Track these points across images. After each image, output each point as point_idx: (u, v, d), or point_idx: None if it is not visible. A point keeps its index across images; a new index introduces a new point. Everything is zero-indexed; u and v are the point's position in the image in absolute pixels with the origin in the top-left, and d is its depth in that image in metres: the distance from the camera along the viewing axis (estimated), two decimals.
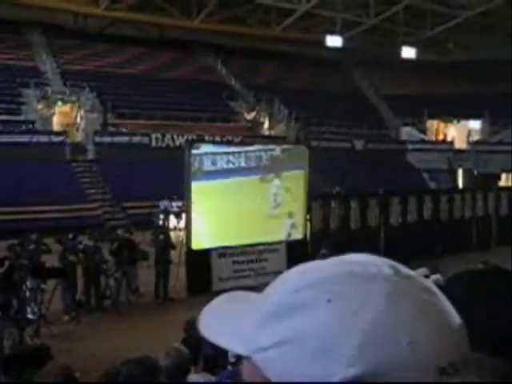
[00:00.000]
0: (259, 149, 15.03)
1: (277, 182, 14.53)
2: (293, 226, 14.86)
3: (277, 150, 15.14)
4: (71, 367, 5.04)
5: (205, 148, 14.12)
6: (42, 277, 10.21)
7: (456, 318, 0.58)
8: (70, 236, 12.47)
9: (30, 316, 10.01)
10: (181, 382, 3.99)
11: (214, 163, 13.56)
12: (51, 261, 11.64)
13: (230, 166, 13.87)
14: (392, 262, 0.61)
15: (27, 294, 9.91)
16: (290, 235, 14.81)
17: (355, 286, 0.57)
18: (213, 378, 4.32)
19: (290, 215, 14.77)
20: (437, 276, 9.74)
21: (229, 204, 13.72)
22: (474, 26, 37.57)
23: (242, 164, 14.07)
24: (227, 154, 14.14)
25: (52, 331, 10.00)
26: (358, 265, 0.61)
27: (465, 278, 1.04)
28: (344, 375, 0.52)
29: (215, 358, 5.04)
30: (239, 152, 14.45)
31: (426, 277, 9.61)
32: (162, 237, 13.80)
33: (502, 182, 33.63)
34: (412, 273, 0.61)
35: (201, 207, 13.33)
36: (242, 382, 0.60)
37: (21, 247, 11.37)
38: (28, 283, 9.92)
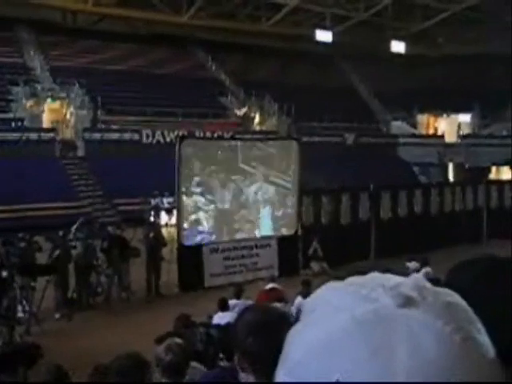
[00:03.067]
0: (249, 144, 15.05)
1: (267, 176, 14.52)
2: (283, 220, 14.87)
3: (267, 144, 15.14)
4: (61, 366, 5.01)
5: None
6: (32, 275, 10.17)
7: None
8: (61, 233, 12.42)
9: (20, 314, 9.97)
10: (178, 382, 3.98)
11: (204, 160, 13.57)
12: (42, 259, 11.61)
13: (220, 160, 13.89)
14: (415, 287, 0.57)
15: (17, 292, 9.86)
16: (280, 230, 14.82)
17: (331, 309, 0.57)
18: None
19: (280, 210, 14.77)
20: (427, 269, 9.81)
21: (219, 198, 13.72)
22: (464, 19, 37.62)
23: (232, 159, 14.07)
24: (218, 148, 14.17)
25: (43, 329, 9.97)
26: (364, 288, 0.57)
27: (477, 268, 0.90)
28: (279, 379, 0.55)
29: (205, 354, 5.05)
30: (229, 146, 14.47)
31: (417, 270, 9.67)
32: (153, 233, 13.78)
33: (492, 175, 33.77)
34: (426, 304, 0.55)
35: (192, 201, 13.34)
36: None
37: (11, 245, 11.31)
38: (18, 281, 9.87)
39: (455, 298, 0.58)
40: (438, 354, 0.50)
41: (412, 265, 10.19)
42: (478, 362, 0.53)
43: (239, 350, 1.79)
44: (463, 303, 0.58)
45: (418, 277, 0.59)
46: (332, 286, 0.60)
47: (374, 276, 0.59)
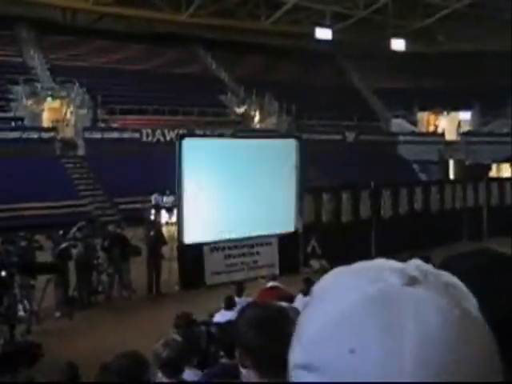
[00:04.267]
0: (249, 142, 15.05)
1: (267, 175, 14.50)
2: (284, 218, 14.86)
3: (267, 142, 15.14)
4: (75, 365, 5.01)
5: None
6: (32, 273, 10.17)
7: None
8: (61, 232, 12.43)
9: (21, 313, 9.97)
10: (179, 382, 3.99)
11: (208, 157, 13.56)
12: (43, 257, 11.61)
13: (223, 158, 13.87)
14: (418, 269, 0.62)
15: (17, 291, 9.87)
16: (280, 228, 14.81)
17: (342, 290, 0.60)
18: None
19: (281, 208, 14.76)
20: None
21: (220, 197, 13.71)
22: (464, 17, 37.60)
23: (233, 157, 14.06)
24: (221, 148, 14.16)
25: (44, 328, 9.98)
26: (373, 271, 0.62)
27: (462, 264, 0.92)
28: (295, 362, 0.60)
29: (207, 352, 5.04)
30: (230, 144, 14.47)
31: None
32: (153, 232, 13.79)
33: (493, 173, 33.75)
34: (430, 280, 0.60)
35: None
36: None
37: (11, 244, 11.32)
38: (18, 280, 9.87)
39: (454, 279, 0.63)
40: (441, 326, 0.56)
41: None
42: (476, 334, 0.58)
43: (240, 345, 1.80)
44: (460, 283, 0.63)
45: (420, 261, 0.64)
46: (340, 270, 0.64)
47: (380, 261, 0.64)
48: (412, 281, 0.59)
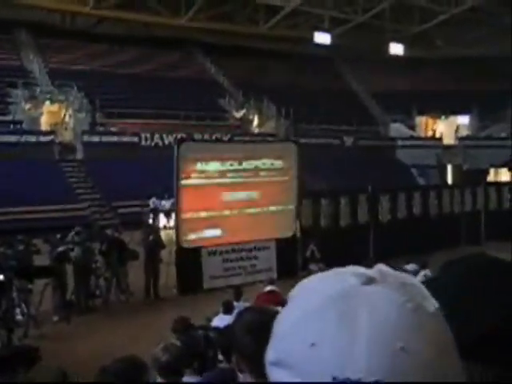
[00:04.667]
0: (248, 146, 15.04)
1: (266, 179, 14.52)
2: (282, 223, 14.85)
3: (266, 147, 15.12)
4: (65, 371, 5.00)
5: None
6: (29, 277, 10.16)
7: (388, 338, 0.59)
8: (58, 236, 12.41)
9: (19, 317, 9.95)
10: (174, 382, 3.99)
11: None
12: (41, 261, 11.59)
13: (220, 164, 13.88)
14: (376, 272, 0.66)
15: (15, 294, 9.85)
16: (279, 232, 14.80)
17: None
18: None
19: (279, 212, 14.75)
20: (426, 271, 9.80)
21: (216, 201, 13.72)
22: (462, 22, 37.67)
23: (231, 162, 14.07)
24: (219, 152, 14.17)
25: (41, 332, 9.95)
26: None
27: (457, 268, 0.93)
28: (268, 359, 0.65)
29: (205, 357, 5.03)
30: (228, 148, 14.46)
31: (416, 272, 9.66)
32: (151, 236, 13.77)
33: (491, 177, 33.78)
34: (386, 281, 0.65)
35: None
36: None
37: (9, 247, 11.30)
38: (16, 284, 9.86)
39: (413, 280, 0.68)
40: (393, 315, 0.60)
41: (410, 267, 10.17)
42: (430, 327, 0.62)
43: (237, 350, 1.79)
44: (419, 284, 0.67)
45: (383, 266, 0.68)
46: (313, 276, 0.70)
47: (349, 267, 0.69)
48: (370, 281, 0.64)
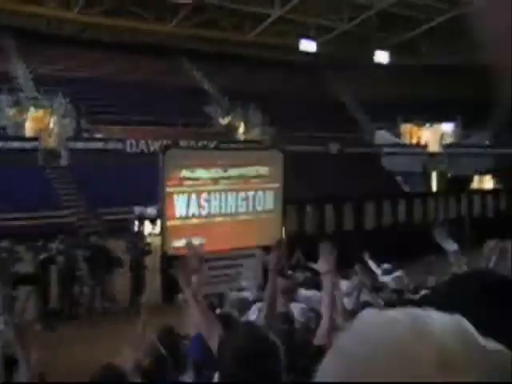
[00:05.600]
0: (233, 153, 15.04)
1: (251, 186, 14.52)
2: (268, 230, 14.84)
3: (251, 154, 15.12)
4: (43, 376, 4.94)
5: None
6: (13, 285, 10.06)
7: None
8: (41, 243, 12.31)
9: (1, 326, 9.83)
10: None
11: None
12: (23, 268, 11.48)
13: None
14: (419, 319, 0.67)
15: None
16: (264, 240, 14.77)
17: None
18: None
19: (265, 219, 14.76)
20: (398, 273, 9.93)
21: (202, 208, 13.69)
22: (447, 30, 37.99)
23: (216, 169, 14.06)
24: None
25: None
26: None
27: (467, 287, 0.92)
28: None
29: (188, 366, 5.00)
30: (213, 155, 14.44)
31: (389, 272, 9.81)
32: (137, 243, 13.70)
33: (475, 185, 34.04)
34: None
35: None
36: None
37: None
38: None
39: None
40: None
41: (386, 266, 10.38)
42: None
43: (221, 374, 1.70)
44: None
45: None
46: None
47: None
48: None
